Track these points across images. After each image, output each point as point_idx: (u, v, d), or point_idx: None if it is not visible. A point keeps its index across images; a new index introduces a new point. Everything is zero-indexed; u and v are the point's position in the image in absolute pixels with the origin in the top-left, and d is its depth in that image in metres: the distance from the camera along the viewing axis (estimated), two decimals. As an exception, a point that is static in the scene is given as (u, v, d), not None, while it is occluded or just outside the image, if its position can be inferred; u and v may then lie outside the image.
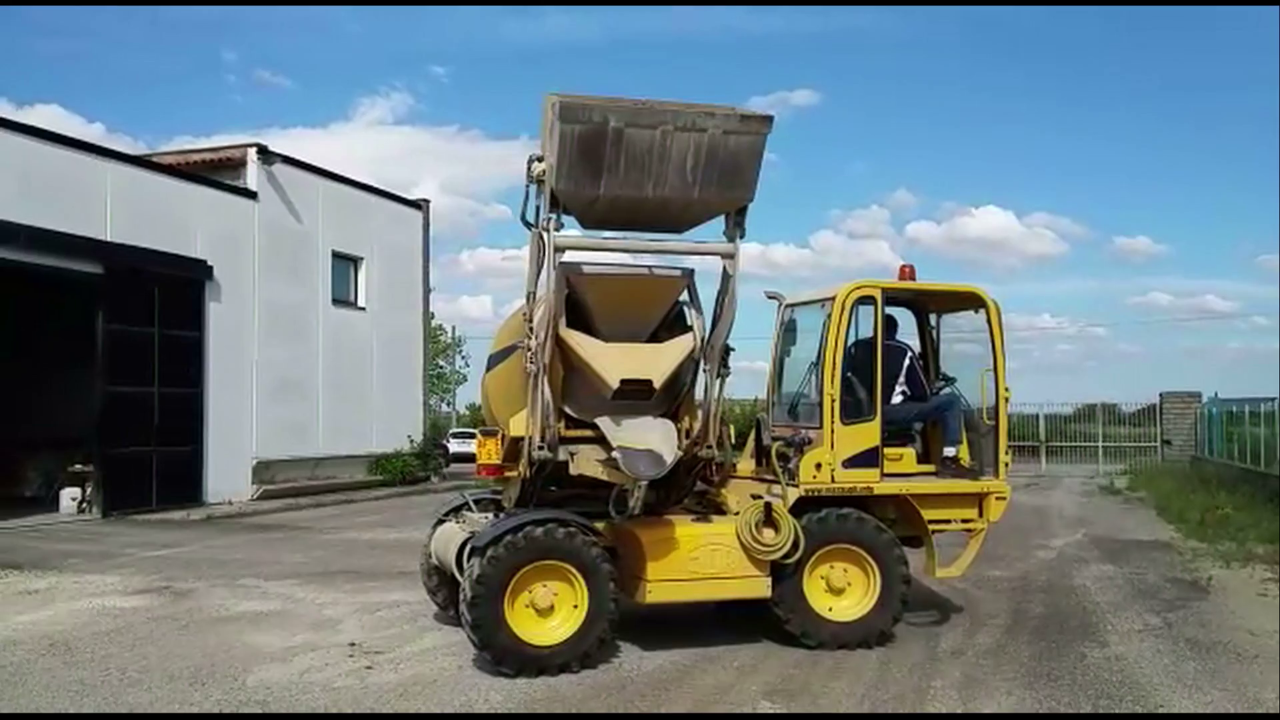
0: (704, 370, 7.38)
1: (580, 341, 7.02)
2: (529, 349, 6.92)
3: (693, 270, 7.35)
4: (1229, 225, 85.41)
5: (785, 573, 7.52)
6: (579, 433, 7.28)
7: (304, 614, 8.97)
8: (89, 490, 17.23)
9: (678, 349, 7.21)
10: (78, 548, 13.25)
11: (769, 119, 6.71)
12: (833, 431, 7.86)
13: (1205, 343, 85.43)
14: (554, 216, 6.69)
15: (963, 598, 9.63)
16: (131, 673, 6.93)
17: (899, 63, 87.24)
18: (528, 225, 6.95)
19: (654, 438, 7.03)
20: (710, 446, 7.45)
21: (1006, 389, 8.33)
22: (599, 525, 7.36)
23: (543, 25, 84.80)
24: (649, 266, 7.45)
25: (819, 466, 7.80)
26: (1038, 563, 12.28)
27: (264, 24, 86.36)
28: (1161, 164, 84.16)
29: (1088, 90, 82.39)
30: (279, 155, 21.13)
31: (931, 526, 8.14)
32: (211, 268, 19.13)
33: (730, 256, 7.06)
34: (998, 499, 8.20)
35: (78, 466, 17.55)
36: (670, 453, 6.96)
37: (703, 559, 7.37)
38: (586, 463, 7.22)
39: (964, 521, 8.26)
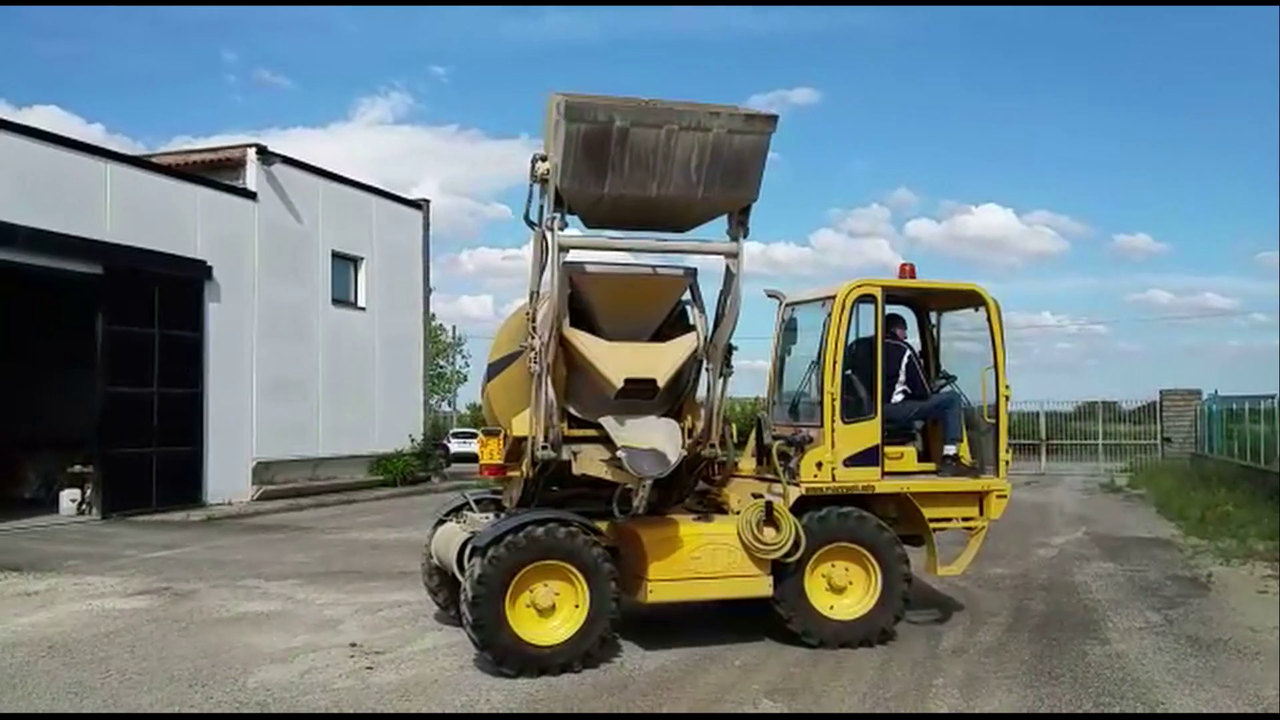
0: (707, 369, 7.37)
1: (584, 341, 7.01)
2: (532, 349, 6.92)
3: (696, 269, 7.35)
4: (1228, 222, 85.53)
5: (786, 571, 7.52)
6: (582, 432, 7.28)
7: (305, 614, 8.96)
8: (89, 491, 17.20)
9: (681, 348, 7.20)
10: (77, 549, 13.24)
11: (774, 118, 6.70)
12: (833, 430, 7.85)
13: (1205, 340, 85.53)
14: (558, 215, 6.68)
15: (964, 596, 9.64)
16: (131, 674, 6.93)
17: (899, 61, 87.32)
18: (531, 224, 6.94)
19: (658, 437, 7.02)
20: (713, 446, 7.45)
21: (1007, 387, 8.34)
22: (601, 525, 7.35)
23: (542, 25, 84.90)
24: (652, 266, 7.44)
25: (820, 465, 7.80)
26: (1038, 560, 12.28)
27: (264, 24, 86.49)
28: (1161, 161, 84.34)
29: (1087, 88, 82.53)
30: (278, 155, 21.11)
31: (932, 525, 8.13)
32: (211, 268, 19.11)
33: (734, 255, 7.05)
34: (998, 497, 8.21)
35: (77, 467, 17.52)
36: (674, 452, 6.96)
37: (704, 558, 7.36)
38: (590, 462, 7.22)
39: (965, 520, 8.26)
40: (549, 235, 6.73)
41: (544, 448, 7.00)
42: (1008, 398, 8.37)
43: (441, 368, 55.08)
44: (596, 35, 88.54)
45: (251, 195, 20.49)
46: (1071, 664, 7.26)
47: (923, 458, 8.41)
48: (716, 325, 7.28)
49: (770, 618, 7.69)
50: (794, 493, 7.71)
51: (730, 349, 7.31)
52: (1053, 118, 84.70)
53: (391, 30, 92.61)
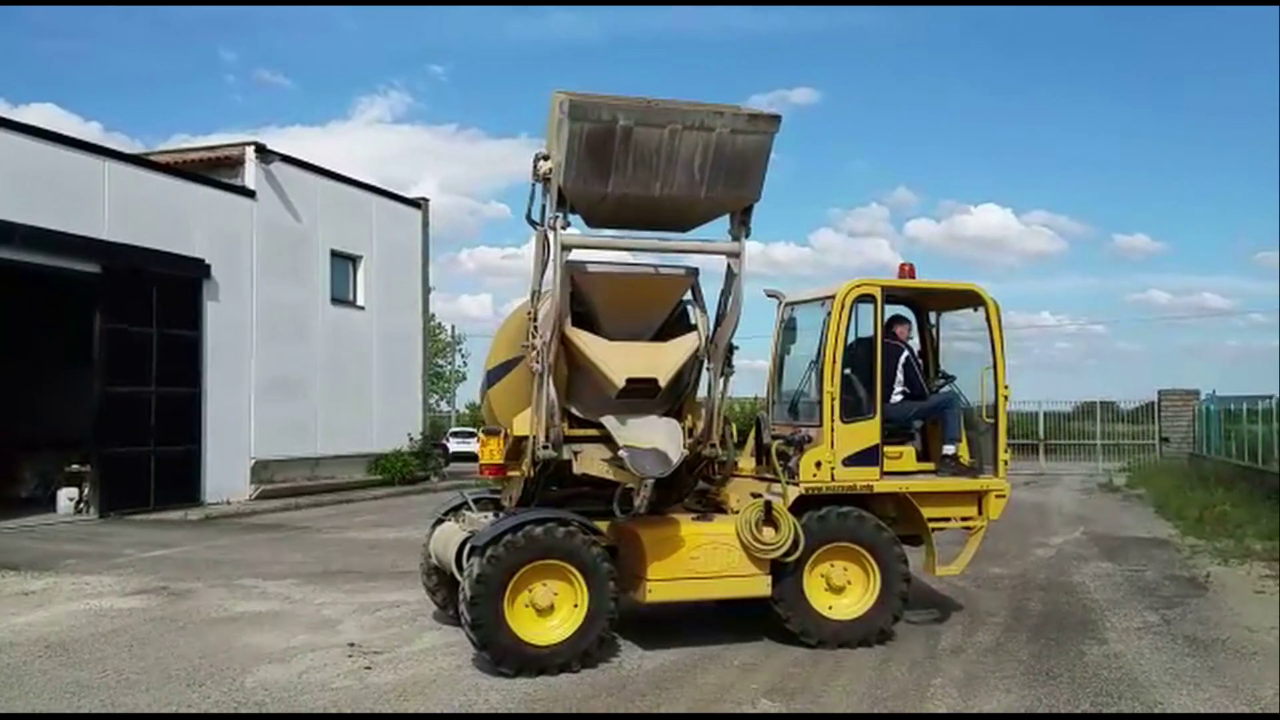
0: (708, 369, 7.37)
1: (586, 340, 7.00)
2: (534, 348, 6.91)
3: (697, 269, 7.34)
4: (1227, 222, 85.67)
5: (785, 571, 7.51)
6: (583, 432, 7.28)
7: (303, 614, 8.95)
8: (86, 490, 17.18)
9: (682, 348, 7.20)
10: (75, 548, 13.23)
11: (777, 119, 6.70)
12: (833, 430, 7.85)
13: (1204, 340, 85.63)
14: (560, 215, 6.67)
15: (962, 595, 9.64)
16: (129, 674, 6.92)
17: (899, 61, 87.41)
18: (533, 224, 6.93)
19: (659, 436, 7.02)
20: (714, 445, 7.45)
21: (1006, 387, 8.34)
22: (600, 524, 7.34)
23: (542, 24, 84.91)
24: (654, 265, 7.43)
25: (819, 465, 7.79)
26: (1037, 560, 12.29)
27: (263, 23, 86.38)
28: (1159, 161, 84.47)
29: (1086, 88, 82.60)
30: (277, 154, 21.09)
31: (931, 524, 8.13)
32: (210, 267, 19.10)
33: (736, 255, 7.06)
34: (997, 497, 8.21)
35: (75, 466, 17.50)
36: (676, 451, 6.96)
37: (703, 558, 7.36)
38: (591, 462, 7.21)
39: (963, 519, 8.26)
40: (551, 234, 6.72)
41: (545, 447, 6.99)
42: (1006, 398, 8.37)
43: (440, 367, 55.06)
44: (596, 35, 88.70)
45: (250, 194, 20.47)
46: (1069, 664, 7.26)
47: (922, 457, 8.40)
48: (718, 325, 7.28)
49: (769, 617, 7.69)
50: (793, 492, 7.71)
51: (731, 348, 7.32)
52: (1051, 117, 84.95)
53: (391, 29, 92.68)
